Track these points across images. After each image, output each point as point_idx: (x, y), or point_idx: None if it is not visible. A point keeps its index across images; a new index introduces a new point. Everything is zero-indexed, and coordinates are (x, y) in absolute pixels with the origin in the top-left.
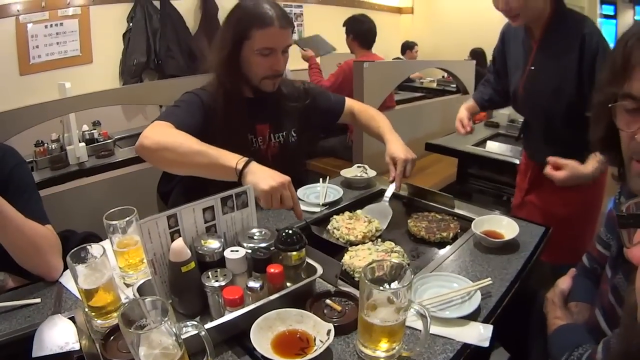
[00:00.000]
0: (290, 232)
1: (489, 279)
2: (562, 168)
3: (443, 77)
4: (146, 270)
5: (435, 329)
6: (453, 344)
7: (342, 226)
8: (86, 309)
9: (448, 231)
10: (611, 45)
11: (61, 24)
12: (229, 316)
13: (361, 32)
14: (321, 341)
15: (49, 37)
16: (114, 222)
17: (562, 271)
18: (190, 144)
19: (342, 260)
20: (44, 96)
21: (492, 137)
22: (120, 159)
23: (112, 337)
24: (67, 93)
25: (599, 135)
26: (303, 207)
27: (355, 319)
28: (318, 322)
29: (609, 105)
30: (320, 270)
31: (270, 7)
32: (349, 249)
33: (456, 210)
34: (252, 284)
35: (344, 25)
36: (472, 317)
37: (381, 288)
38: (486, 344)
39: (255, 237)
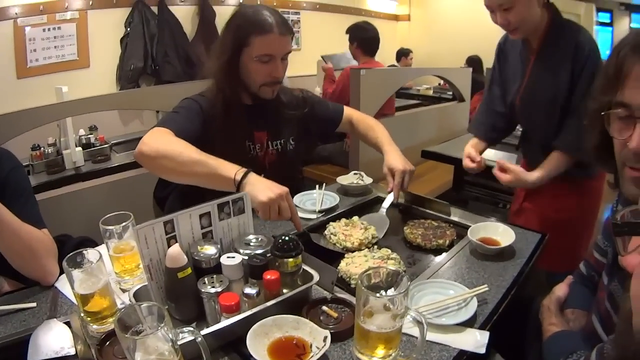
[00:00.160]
0: (287, 238)
1: (485, 285)
2: (507, 172)
3: (439, 84)
4: (142, 276)
5: (431, 336)
6: (449, 351)
7: (339, 232)
8: (82, 314)
9: (444, 238)
10: (606, 53)
11: (59, 28)
12: (225, 322)
13: (365, 39)
14: (317, 348)
15: (46, 40)
16: (110, 227)
17: (558, 278)
18: (189, 153)
19: (339, 267)
20: (41, 100)
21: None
22: (116, 164)
23: (107, 343)
24: (64, 97)
25: (593, 143)
26: (299, 214)
27: (351, 326)
28: (314, 328)
29: (602, 113)
30: (316, 277)
31: (270, 14)
32: (345, 255)
33: (452, 218)
34: (248, 290)
35: (347, 33)
36: (469, 323)
37: (378, 295)
38: (482, 350)
39: (251, 244)
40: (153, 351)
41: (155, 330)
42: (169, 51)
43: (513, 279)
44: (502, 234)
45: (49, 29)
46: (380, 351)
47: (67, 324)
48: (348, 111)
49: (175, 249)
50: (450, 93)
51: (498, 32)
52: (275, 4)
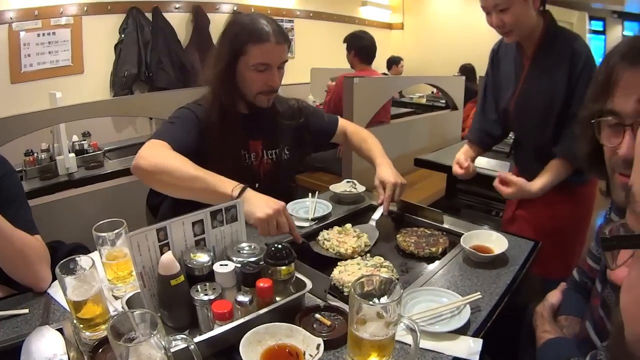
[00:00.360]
0: (280, 246)
1: (479, 293)
2: (509, 184)
3: (432, 92)
4: (135, 283)
5: (425, 343)
6: (443, 358)
7: (333, 238)
8: (75, 321)
9: (437, 246)
10: (599, 61)
11: (53, 33)
12: (218, 330)
13: (362, 47)
14: (311, 355)
15: (41, 45)
16: (103, 234)
17: (552, 285)
18: (187, 169)
19: (331, 275)
20: (34, 105)
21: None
22: (109, 171)
23: (100, 350)
24: (57, 103)
25: (585, 151)
26: None
27: (344, 334)
28: (307, 336)
29: (592, 121)
30: (309, 285)
31: (267, 23)
32: (338, 263)
33: (445, 225)
34: (241, 298)
35: (344, 42)
36: (462, 331)
37: (371, 303)
38: (476, 357)
39: (244, 252)
40: (146, 358)
41: (148, 338)
42: (163, 58)
43: (506, 286)
44: (495, 242)
45: (43, 34)
46: (374, 359)
47: (60, 330)
48: (342, 123)
49: (168, 256)
50: (444, 101)
51: (491, 41)
52: (269, 12)
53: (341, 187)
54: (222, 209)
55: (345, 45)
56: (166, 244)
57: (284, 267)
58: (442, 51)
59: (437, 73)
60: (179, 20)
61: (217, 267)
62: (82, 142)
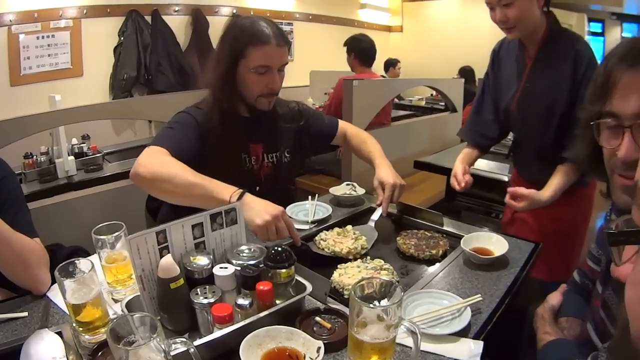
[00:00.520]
0: (279, 249)
1: (479, 295)
2: (521, 198)
3: (432, 95)
4: (135, 286)
5: (425, 346)
6: None
7: (330, 238)
8: (74, 324)
9: (437, 248)
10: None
11: (53, 36)
12: (218, 333)
13: (362, 50)
14: (311, 358)
15: (40, 48)
16: (102, 237)
17: (552, 287)
18: (186, 176)
19: (332, 278)
20: (34, 108)
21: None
22: (108, 174)
23: (99, 353)
24: (57, 105)
25: (585, 152)
26: None
27: (345, 337)
28: (308, 339)
29: (591, 123)
30: (309, 288)
31: (267, 25)
32: (338, 266)
33: (445, 228)
34: (241, 301)
35: (344, 45)
36: (463, 333)
37: (371, 305)
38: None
39: (244, 254)
40: None
41: (147, 341)
42: (162, 61)
43: (507, 288)
44: (495, 244)
45: (42, 37)
46: None
47: (59, 334)
48: (342, 125)
49: (168, 259)
50: (443, 104)
51: (490, 43)
52: (268, 14)
53: (341, 189)
54: (221, 211)
55: (345, 48)
56: (166, 247)
57: (284, 270)
58: (441, 54)
59: (436, 75)
60: (178, 23)
61: (216, 270)
62: (82, 145)
